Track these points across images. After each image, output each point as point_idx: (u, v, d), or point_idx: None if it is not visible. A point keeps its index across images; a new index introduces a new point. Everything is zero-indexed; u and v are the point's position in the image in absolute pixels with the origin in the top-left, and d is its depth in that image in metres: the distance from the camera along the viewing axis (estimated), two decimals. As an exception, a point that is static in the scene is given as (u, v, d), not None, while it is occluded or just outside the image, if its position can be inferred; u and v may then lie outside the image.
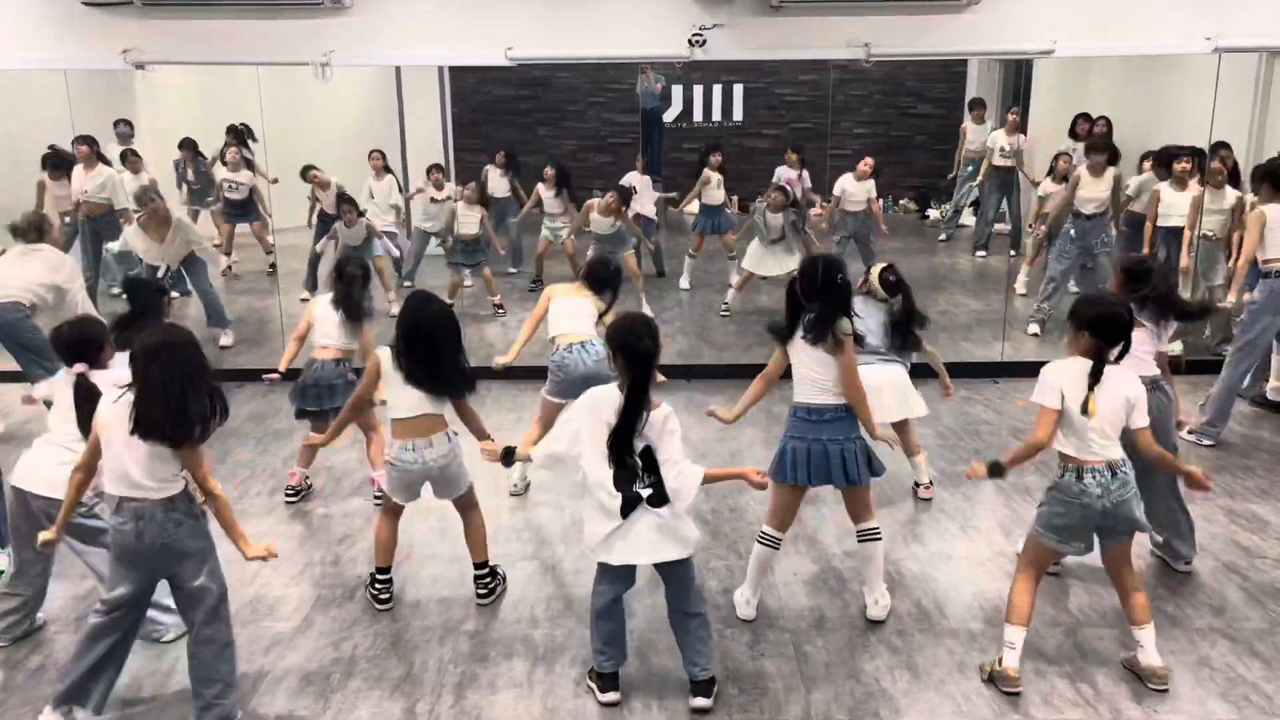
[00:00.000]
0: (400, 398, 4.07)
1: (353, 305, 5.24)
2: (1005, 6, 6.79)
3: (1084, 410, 3.50)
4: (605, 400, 3.46)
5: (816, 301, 3.89)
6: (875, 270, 5.11)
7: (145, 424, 3.14)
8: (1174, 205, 7.55)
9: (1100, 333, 3.53)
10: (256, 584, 4.49)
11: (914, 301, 5.10)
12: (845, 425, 3.96)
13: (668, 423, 3.46)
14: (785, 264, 8.33)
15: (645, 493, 3.44)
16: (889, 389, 4.97)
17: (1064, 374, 3.56)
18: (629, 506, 3.44)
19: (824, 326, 3.86)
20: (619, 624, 3.67)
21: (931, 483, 5.39)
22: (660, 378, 3.65)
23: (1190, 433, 5.96)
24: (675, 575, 3.58)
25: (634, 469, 3.43)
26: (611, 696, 3.64)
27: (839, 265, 3.96)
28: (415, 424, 4.08)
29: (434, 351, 4.03)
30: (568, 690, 3.71)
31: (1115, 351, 3.57)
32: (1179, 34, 6.76)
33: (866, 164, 8.70)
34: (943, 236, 10.73)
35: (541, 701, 3.65)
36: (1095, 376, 3.50)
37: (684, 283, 9.46)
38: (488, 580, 4.35)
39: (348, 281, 5.25)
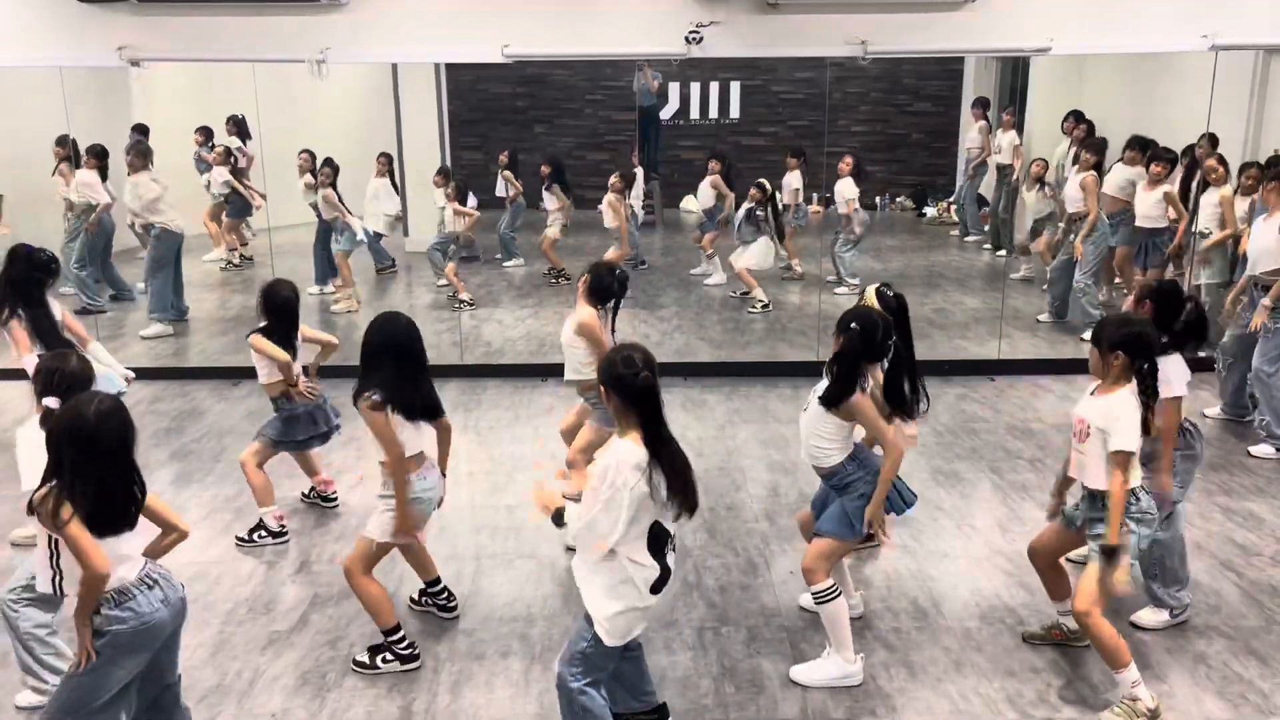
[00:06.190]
0: (404, 436, 3.75)
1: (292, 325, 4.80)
2: (1002, 4, 6.78)
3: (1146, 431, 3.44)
4: (637, 461, 2.95)
5: (880, 360, 3.72)
6: (870, 291, 4.35)
7: None
8: (1141, 205, 7.55)
9: (1130, 351, 3.44)
10: (253, 583, 4.48)
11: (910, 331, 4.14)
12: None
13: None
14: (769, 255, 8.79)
15: (670, 558, 3.12)
16: None
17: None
18: (661, 585, 3.08)
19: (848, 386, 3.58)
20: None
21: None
22: None
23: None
24: None
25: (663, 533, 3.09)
26: None
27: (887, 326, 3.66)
28: (415, 458, 3.81)
29: (423, 372, 3.81)
30: (564, 688, 3.71)
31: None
32: (1175, 32, 6.77)
33: (845, 163, 8.85)
34: (984, 243, 10.60)
35: (538, 700, 3.65)
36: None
37: (718, 278, 9.59)
38: (444, 593, 4.22)
39: (286, 310, 4.77)
